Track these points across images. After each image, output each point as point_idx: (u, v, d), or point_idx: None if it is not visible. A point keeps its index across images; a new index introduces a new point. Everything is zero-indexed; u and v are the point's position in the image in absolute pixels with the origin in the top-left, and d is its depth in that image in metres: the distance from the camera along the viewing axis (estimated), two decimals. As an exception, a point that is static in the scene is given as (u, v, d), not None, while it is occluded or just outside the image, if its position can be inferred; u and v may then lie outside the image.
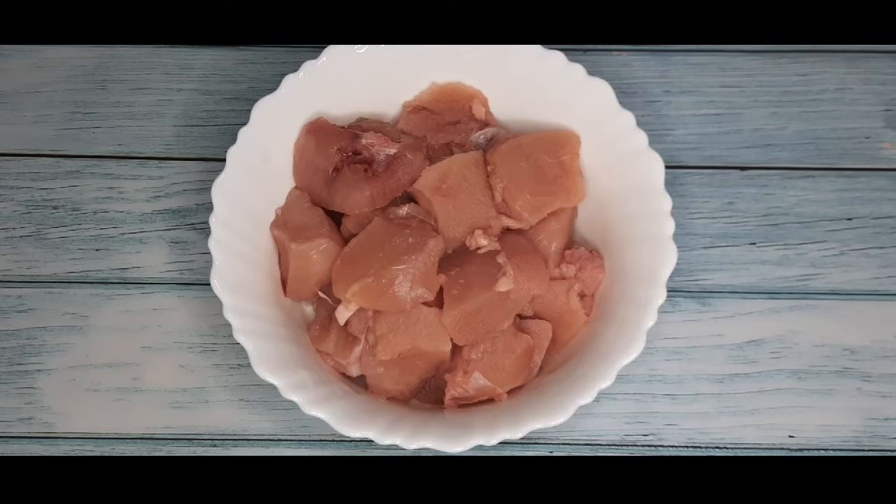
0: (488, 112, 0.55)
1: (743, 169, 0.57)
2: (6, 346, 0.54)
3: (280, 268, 0.53)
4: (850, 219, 0.57)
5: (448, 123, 0.55)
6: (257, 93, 0.52)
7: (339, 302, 0.51)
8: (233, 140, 0.51)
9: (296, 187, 0.54)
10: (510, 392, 0.51)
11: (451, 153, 0.54)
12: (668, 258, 0.49)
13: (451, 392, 0.50)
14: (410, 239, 0.50)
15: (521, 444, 0.51)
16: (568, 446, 0.53)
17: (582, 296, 0.52)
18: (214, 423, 0.53)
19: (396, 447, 0.47)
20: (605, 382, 0.47)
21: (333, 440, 0.52)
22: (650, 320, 0.48)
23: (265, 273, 0.52)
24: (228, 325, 0.48)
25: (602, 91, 0.52)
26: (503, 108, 0.55)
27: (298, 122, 0.53)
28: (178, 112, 0.59)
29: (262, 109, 0.52)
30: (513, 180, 0.52)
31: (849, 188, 0.57)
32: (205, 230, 0.50)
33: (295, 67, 0.52)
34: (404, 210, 0.52)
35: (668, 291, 0.49)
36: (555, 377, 0.50)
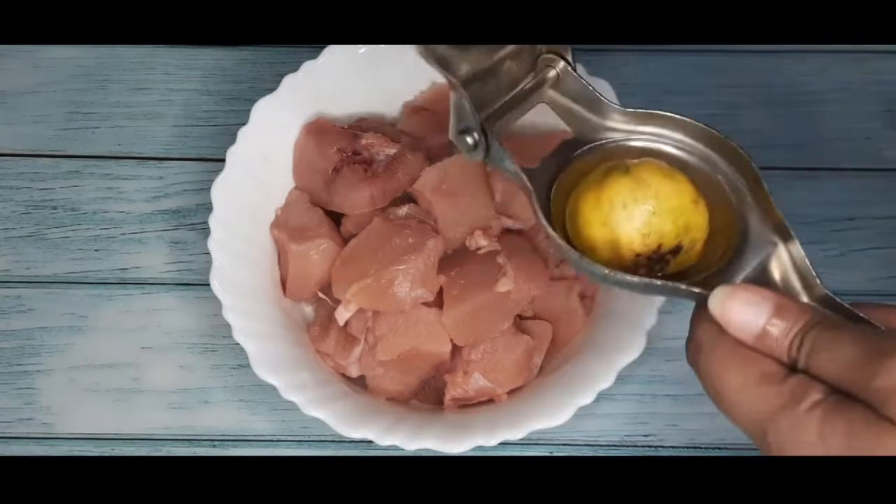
0: (488, 112, 0.55)
1: (743, 169, 0.57)
2: (6, 346, 0.54)
3: (280, 268, 0.53)
4: (851, 219, 0.56)
5: (448, 123, 0.55)
6: (257, 93, 0.52)
7: (338, 302, 0.51)
8: (233, 140, 0.51)
9: (296, 187, 0.54)
10: (510, 392, 0.51)
11: (451, 153, 0.54)
12: (669, 258, 0.49)
13: (450, 392, 0.50)
14: (410, 239, 0.50)
15: (521, 444, 0.51)
16: (568, 447, 0.53)
17: (582, 296, 0.52)
18: (214, 423, 0.53)
19: (396, 447, 0.47)
20: (606, 383, 0.47)
21: (333, 440, 0.52)
22: (651, 321, 0.48)
23: (265, 273, 0.52)
24: (228, 326, 0.48)
25: (602, 91, 0.51)
26: (503, 108, 0.55)
27: (298, 122, 0.53)
28: (178, 112, 0.59)
29: (262, 109, 0.52)
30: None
31: (850, 189, 0.57)
32: (205, 230, 0.50)
33: (295, 67, 0.52)
34: (404, 210, 0.52)
35: (669, 292, 0.48)
36: (555, 377, 0.50)
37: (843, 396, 0.32)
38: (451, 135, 0.41)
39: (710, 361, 0.36)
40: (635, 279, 0.37)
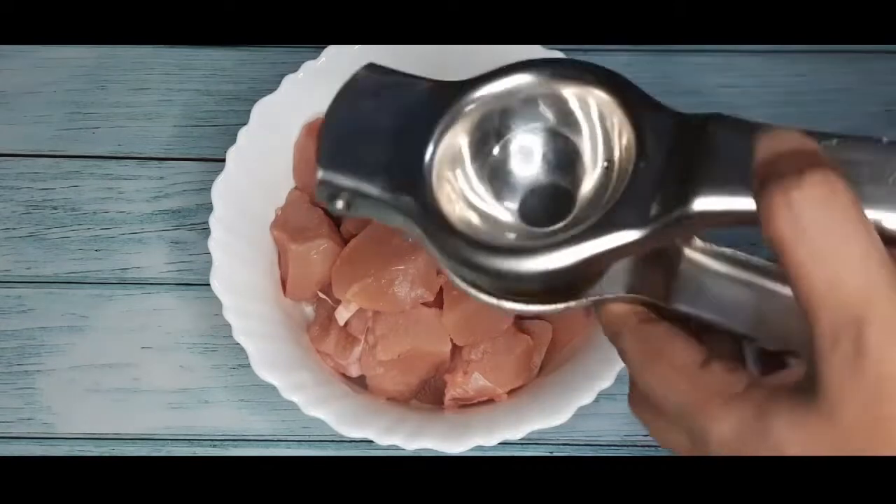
0: (488, 112, 0.55)
1: (743, 169, 0.57)
2: (6, 346, 0.54)
3: (280, 268, 0.53)
4: (850, 219, 0.56)
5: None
6: (257, 93, 0.52)
7: (338, 302, 0.51)
8: (233, 140, 0.51)
9: (296, 187, 0.54)
10: (510, 392, 0.51)
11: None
12: (669, 258, 0.49)
13: (450, 392, 0.50)
14: (410, 239, 0.50)
15: (521, 444, 0.51)
16: (568, 446, 0.53)
17: (582, 296, 0.52)
18: (214, 423, 0.53)
19: (396, 447, 0.47)
20: (605, 383, 0.47)
21: (333, 440, 0.52)
22: (650, 320, 0.48)
23: (265, 273, 0.52)
24: (228, 326, 0.48)
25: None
26: (503, 108, 0.55)
27: (298, 122, 0.53)
28: (178, 112, 0.59)
29: (262, 109, 0.52)
30: (513, 180, 0.52)
31: (849, 188, 0.57)
32: (205, 230, 0.50)
33: (295, 67, 0.52)
34: (404, 210, 0.52)
35: (669, 291, 0.48)
36: (555, 377, 0.50)
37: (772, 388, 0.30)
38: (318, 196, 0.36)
39: (631, 365, 0.35)
40: (532, 308, 0.36)
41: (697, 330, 0.36)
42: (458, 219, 0.35)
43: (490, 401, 0.50)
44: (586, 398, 0.47)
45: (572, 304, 0.35)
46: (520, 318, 0.52)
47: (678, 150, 0.33)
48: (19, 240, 0.56)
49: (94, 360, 0.54)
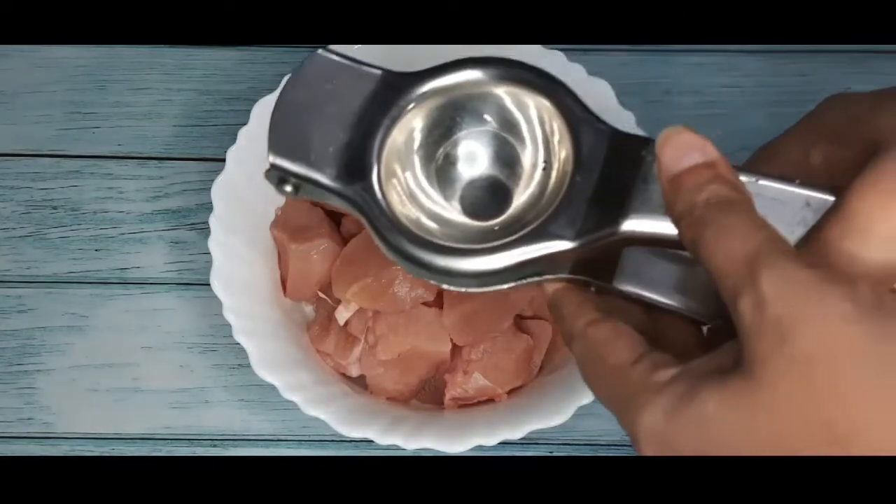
0: (488, 112, 0.55)
1: (743, 169, 0.57)
2: (6, 346, 0.54)
3: (280, 268, 0.53)
4: (850, 219, 0.56)
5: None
6: (257, 93, 0.52)
7: (338, 302, 0.51)
8: (233, 140, 0.51)
9: (296, 187, 0.54)
10: (510, 392, 0.51)
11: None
12: (669, 258, 0.49)
13: (450, 392, 0.50)
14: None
15: (521, 444, 0.51)
16: (568, 446, 0.53)
17: (582, 296, 0.52)
18: (214, 423, 0.53)
19: (396, 447, 0.47)
20: (605, 383, 0.47)
21: (333, 440, 0.52)
22: (650, 320, 0.48)
23: (265, 273, 0.52)
24: (228, 325, 0.48)
25: (602, 91, 0.52)
26: (503, 108, 0.55)
27: (298, 122, 0.53)
28: (178, 112, 0.59)
29: (262, 110, 0.52)
30: (513, 180, 0.52)
31: (849, 188, 0.57)
32: (205, 230, 0.50)
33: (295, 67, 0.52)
34: (404, 210, 0.52)
35: (669, 291, 0.48)
36: (555, 377, 0.50)
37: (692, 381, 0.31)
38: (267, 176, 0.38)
39: (580, 362, 0.35)
40: (480, 290, 0.37)
41: (651, 316, 0.37)
42: (404, 216, 0.36)
43: (490, 401, 0.50)
44: (586, 398, 0.47)
45: (511, 284, 0.36)
46: (520, 317, 0.52)
47: (612, 168, 0.35)
48: (19, 240, 0.56)
49: (94, 360, 0.54)
